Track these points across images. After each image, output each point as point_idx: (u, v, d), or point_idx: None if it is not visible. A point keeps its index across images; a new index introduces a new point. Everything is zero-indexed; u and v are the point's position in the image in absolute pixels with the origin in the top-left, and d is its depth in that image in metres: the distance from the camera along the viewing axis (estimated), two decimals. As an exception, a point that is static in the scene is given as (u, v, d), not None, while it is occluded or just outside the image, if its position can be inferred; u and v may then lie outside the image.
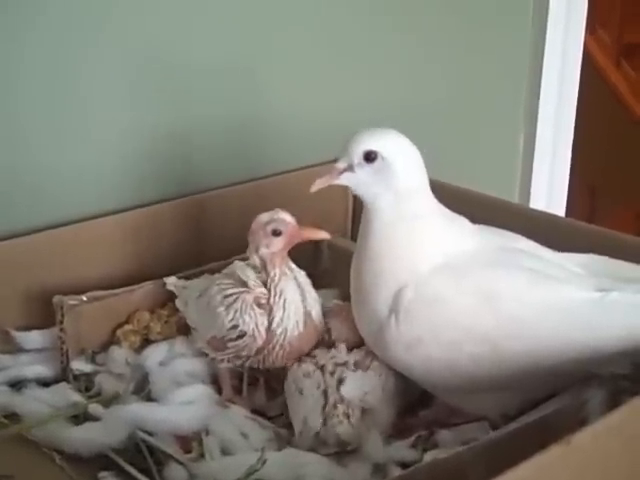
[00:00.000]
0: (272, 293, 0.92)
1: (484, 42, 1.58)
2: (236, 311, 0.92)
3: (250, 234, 0.93)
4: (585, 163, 1.95)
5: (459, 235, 0.88)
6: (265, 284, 0.93)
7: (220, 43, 1.21)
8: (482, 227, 0.91)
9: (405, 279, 0.84)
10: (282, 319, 0.91)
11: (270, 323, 0.91)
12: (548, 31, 1.66)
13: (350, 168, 0.85)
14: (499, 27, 1.61)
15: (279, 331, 0.91)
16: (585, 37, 1.76)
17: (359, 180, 0.85)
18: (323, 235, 0.93)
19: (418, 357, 0.84)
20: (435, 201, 0.89)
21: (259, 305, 0.92)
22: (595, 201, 2.37)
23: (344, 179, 0.86)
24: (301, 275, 0.94)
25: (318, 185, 0.86)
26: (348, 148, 0.85)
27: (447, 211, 0.90)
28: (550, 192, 1.82)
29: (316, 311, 0.94)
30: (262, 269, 0.93)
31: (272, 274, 0.92)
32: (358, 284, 0.90)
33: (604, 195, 2.35)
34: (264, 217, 0.93)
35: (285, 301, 0.91)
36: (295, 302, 0.92)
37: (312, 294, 0.94)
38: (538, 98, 1.70)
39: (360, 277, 0.89)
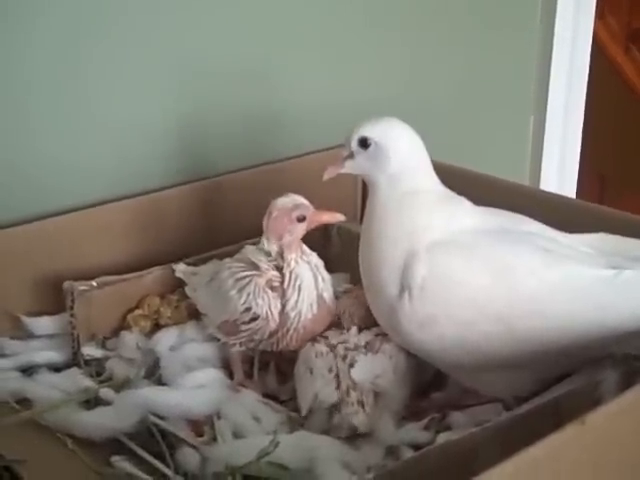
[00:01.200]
0: (287, 277, 0.91)
1: (494, 27, 1.58)
2: (249, 294, 0.92)
3: (271, 220, 0.93)
4: (595, 150, 1.94)
5: (460, 212, 0.88)
6: (277, 268, 0.92)
7: (234, 34, 1.21)
8: (486, 208, 0.91)
9: (409, 250, 0.85)
10: (296, 302, 0.91)
11: (284, 306, 0.91)
12: (557, 17, 1.66)
13: (351, 155, 0.89)
14: (509, 12, 1.60)
15: (293, 314, 0.91)
16: (594, 23, 1.75)
17: (358, 165, 0.89)
18: (339, 217, 0.94)
19: (431, 335, 0.84)
20: (436, 180, 0.90)
21: (272, 288, 0.92)
22: (605, 188, 2.36)
23: (347, 167, 0.90)
24: (314, 258, 0.94)
25: (327, 175, 0.90)
26: (348, 136, 0.89)
27: (448, 191, 0.90)
28: (560, 179, 1.81)
29: (329, 293, 0.94)
30: (278, 255, 0.93)
31: (289, 259, 0.92)
32: (366, 266, 0.90)
33: (614, 181, 2.34)
34: (287, 203, 0.93)
35: (300, 285, 0.91)
36: (309, 286, 0.92)
37: (325, 277, 0.94)
38: (547, 85, 1.70)
39: (366, 258, 0.90)
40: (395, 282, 0.85)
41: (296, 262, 0.92)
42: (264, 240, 0.93)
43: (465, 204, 0.90)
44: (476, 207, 0.90)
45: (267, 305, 0.91)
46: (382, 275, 0.87)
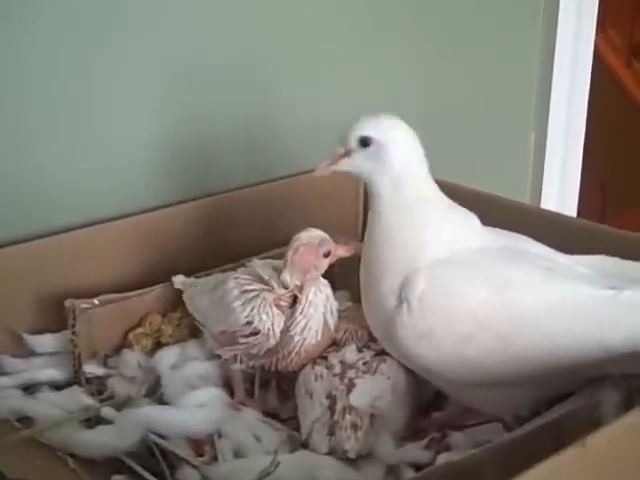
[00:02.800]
0: (303, 304, 0.91)
1: (495, 42, 1.58)
2: (253, 308, 0.91)
3: (297, 256, 0.91)
4: (596, 162, 1.94)
5: (466, 229, 0.88)
6: (286, 288, 0.92)
7: (235, 47, 1.22)
8: (490, 228, 0.91)
9: (411, 265, 0.84)
10: (303, 329, 0.91)
11: (288, 328, 0.91)
12: (558, 30, 1.67)
13: (348, 153, 0.87)
14: (510, 26, 1.60)
15: (297, 339, 0.91)
16: (595, 36, 1.76)
17: (355, 164, 0.87)
18: (352, 251, 0.94)
19: (429, 348, 0.83)
20: (435, 187, 0.89)
21: (278, 306, 0.92)
22: (606, 199, 2.36)
23: (343, 165, 0.88)
24: (327, 287, 0.94)
25: (320, 172, 0.88)
26: (347, 133, 0.87)
27: (451, 201, 0.90)
28: (561, 191, 1.81)
29: (334, 320, 0.94)
30: (296, 288, 0.92)
31: (307, 291, 0.92)
32: (366, 276, 0.90)
33: (615, 193, 2.34)
34: (313, 239, 0.92)
35: (312, 314, 0.91)
36: (319, 314, 0.92)
37: (333, 304, 0.94)
38: (549, 98, 1.70)
39: (367, 268, 0.89)
40: (394, 294, 0.85)
41: (315, 294, 0.92)
42: (286, 274, 0.92)
43: (468, 216, 0.89)
44: (480, 225, 0.90)
45: (270, 322, 0.91)
46: (382, 287, 0.86)
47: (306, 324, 0.91)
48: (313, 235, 0.92)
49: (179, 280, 1.06)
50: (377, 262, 0.87)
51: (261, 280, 0.94)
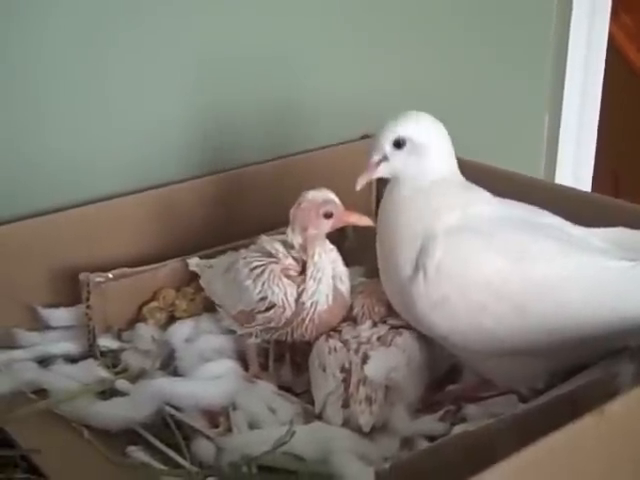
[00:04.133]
0: (310, 269, 0.91)
1: (510, 27, 1.58)
2: (264, 283, 0.92)
3: (298, 211, 0.92)
4: (609, 149, 1.93)
5: (479, 199, 0.89)
6: (295, 258, 0.93)
7: (251, 27, 1.21)
8: (505, 200, 0.90)
9: (426, 232, 0.85)
10: (314, 293, 0.91)
11: (300, 295, 0.91)
12: (573, 16, 1.66)
13: (384, 158, 0.88)
14: (525, 12, 1.60)
15: (309, 303, 0.91)
16: (610, 23, 1.74)
17: (395, 167, 0.88)
18: (367, 222, 0.93)
19: (444, 316, 0.84)
20: (457, 171, 0.90)
21: (287, 276, 0.92)
22: (619, 187, 2.35)
23: (381, 171, 0.89)
24: (334, 253, 0.94)
25: (361, 183, 0.89)
26: (378, 139, 0.88)
27: (467, 182, 0.90)
28: (575, 178, 1.81)
29: (345, 287, 0.94)
30: (301, 248, 0.93)
31: (312, 253, 0.92)
32: (382, 246, 0.90)
33: (628, 180, 2.33)
34: (317, 197, 0.92)
35: (321, 278, 0.91)
36: (328, 279, 0.92)
37: (342, 270, 0.94)
38: (563, 84, 1.69)
39: (382, 238, 0.90)
40: (411, 263, 0.85)
41: (319, 256, 0.92)
42: (289, 230, 0.93)
43: (484, 193, 0.90)
44: (495, 197, 0.90)
45: (283, 293, 0.91)
46: (399, 256, 0.86)
47: (316, 288, 0.91)
48: (318, 194, 0.93)
49: (194, 262, 1.06)
50: (392, 231, 0.88)
51: (268, 254, 0.94)
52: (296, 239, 0.93)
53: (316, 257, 0.92)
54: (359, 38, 1.34)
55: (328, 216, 0.92)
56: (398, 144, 0.87)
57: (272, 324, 0.92)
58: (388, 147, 0.87)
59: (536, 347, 0.83)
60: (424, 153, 0.87)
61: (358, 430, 0.85)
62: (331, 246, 0.94)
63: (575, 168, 1.80)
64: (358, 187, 0.88)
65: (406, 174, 0.88)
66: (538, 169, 1.74)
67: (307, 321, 0.92)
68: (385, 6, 1.36)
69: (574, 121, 1.75)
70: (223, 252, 1.06)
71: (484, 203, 0.88)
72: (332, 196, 0.93)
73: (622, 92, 2.14)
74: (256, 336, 0.95)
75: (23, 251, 1.03)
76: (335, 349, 0.90)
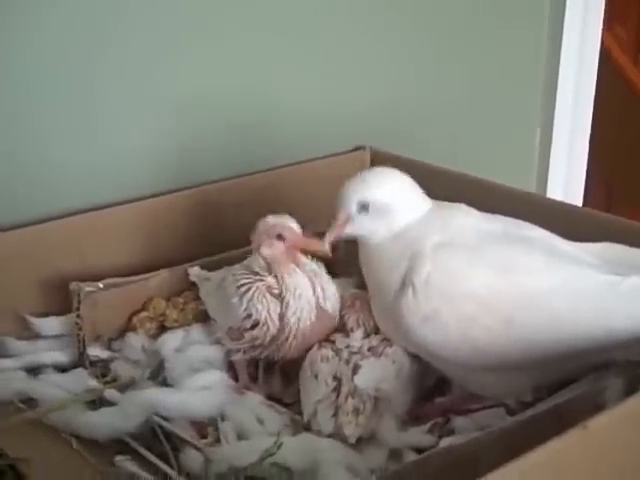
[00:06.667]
0: (283, 287, 0.93)
1: (501, 38, 1.58)
2: (249, 300, 0.93)
3: (254, 233, 0.95)
4: (602, 160, 1.94)
5: (456, 213, 0.89)
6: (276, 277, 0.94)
7: (230, 40, 1.22)
8: (488, 214, 0.91)
9: (414, 257, 0.85)
10: (295, 311, 0.92)
11: (284, 312, 0.92)
12: (565, 27, 1.66)
13: (349, 219, 0.89)
14: (516, 22, 1.60)
15: (293, 320, 0.92)
16: (602, 33, 1.75)
17: (361, 228, 0.90)
18: (321, 247, 0.93)
19: (434, 330, 0.84)
20: (427, 202, 0.91)
21: (272, 294, 0.93)
22: (612, 198, 2.36)
23: (348, 231, 0.90)
24: (312, 267, 0.95)
25: (327, 241, 0.91)
26: (343, 200, 0.89)
27: (444, 203, 0.91)
28: (567, 189, 1.81)
29: (330, 302, 0.95)
30: (268, 269, 0.94)
31: (278, 272, 0.93)
32: (368, 271, 0.92)
33: (621, 192, 2.33)
34: (270, 220, 0.95)
35: (295, 294, 0.92)
36: (306, 295, 0.93)
37: (326, 285, 0.95)
38: (555, 95, 1.70)
39: (368, 270, 0.91)
40: (399, 281, 0.86)
41: (289, 274, 0.93)
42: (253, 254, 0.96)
43: (460, 206, 0.91)
44: (476, 212, 0.91)
45: (266, 310, 0.92)
46: (386, 279, 0.87)
47: (295, 306, 0.92)
48: (274, 218, 0.95)
49: (194, 272, 1.07)
50: (375, 269, 0.90)
51: (254, 272, 0.95)
52: (257, 261, 0.95)
53: (285, 276, 0.93)
54: (339, 52, 1.34)
55: (280, 238, 0.94)
56: (363, 207, 0.88)
57: (258, 341, 0.93)
58: (353, 209, 0.89)
59: (524, 360, 0.83)
60: (389, 211, 0.88)
61: (346, 440, 0.85)
62: (305, 260, 0.95)
63: (567, 181, 1.81)
64: (326, 247, 0.90)
65: (373, 233, 0.89)
66: (530, 182, 1.75)
67: (291, 338, 0.92)
68: (372, 17, 1.36)
69: (566, 133, 1.75)
70: (215, 262, 1.07)
71: (466, 216, 0.89)
72: (287, 221, 0.94)
73: (615, 104, 2.15)
74: (244, 352, 0.95)
75: (13, 259, 1.03)
76: (327, 358, 0.91)
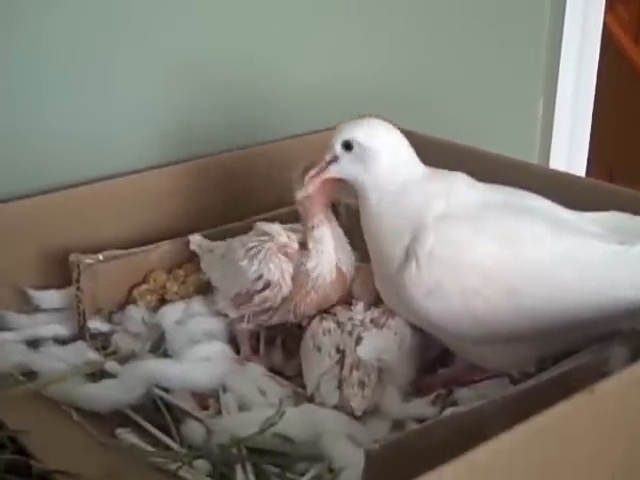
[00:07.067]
0: (311, 238, 0.91)
1: (504, 15, 1.57)
2: (260, 261, 0.92)
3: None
4: (603, 141, 1.93)
5: (458, 183, 0.88)
6: (290, 237, 0.93)
7: (227, 14, 1.21)
8: (490, 184, 0.90)
9: (417, 228, 0.84)
10: (318, 264, 0.91)
11: (303, 266, 0.91)
12: (567, 7, 1.65)
13: (335, 159, 0.88)
14: (520, 1, 1.59)
15: (315, 274, 0.91)
16: (604, 14, 1.74)
17: (343, 169, 0.88)
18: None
19: (437, 303, 0.83)
20: (422, 168, 0.89)
21: (285, 254, 0.92)
22: (613, 180, 2.35)
23: (332, 171, 0.89)
24: (338, 228, 0.94)
25: (309, 182, 0.89)
26: (330, 140, 0.89)
27: (437, 170, 0.90)
28: (568, 169, 1.80)
29: (346, 265, 0.94)
30: (303, 215, 0.92)
31: (312, 219, 0.91)
32: (371, 250, 0.90)
33: (622, 173, 2.33)
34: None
35: (322, 248, 0.91)
36: (329, 251, 0.92)
37: (345, 247, 0.94)
38: (557, 77, 1.69)
39: (370, 238, 0.90)
40: (402, 253, 0.84)
41: (320, 223, 0.91)
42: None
43: (462, 176, 0.89)
44: (477, 182, 0.89)
45: (279, 270, 0.91)
46: (388, 252, 0.86)
47: (319, 258, 0.91)
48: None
49: (195, 240, 1.05)
50: (376, 238, 0.88)
51: (264, 234, 0.94)
52: (266, 225, 0.94)
53: (316, 222, 0.91)
54: (351, 20, 1.33)
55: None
56: (347, 146, 0.87)
57: (268, 304, 0.92)
58: (338, 148, 0.88)
59: (529, 331, 0.82)
60: (373, 158, 0.86)
61: (349, 413, 0.85)
62: (334, 219, 0.94)
63: (569, 162, 1.80)
64: (310, 189, 0.89)
65: (357, 179, 0.88)
66: (532, 157, 1.74)
67: (312, 294, 0.91)
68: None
69: (568, 115, 1.75)
70: (218, 234, 1.05)
71: (467, 187, 0.88)
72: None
73: (617, 84, 2.14)
74: (248, 321, 0.94)
75: (13, 232, 1.02)
76: (330, 331, 0.90)
